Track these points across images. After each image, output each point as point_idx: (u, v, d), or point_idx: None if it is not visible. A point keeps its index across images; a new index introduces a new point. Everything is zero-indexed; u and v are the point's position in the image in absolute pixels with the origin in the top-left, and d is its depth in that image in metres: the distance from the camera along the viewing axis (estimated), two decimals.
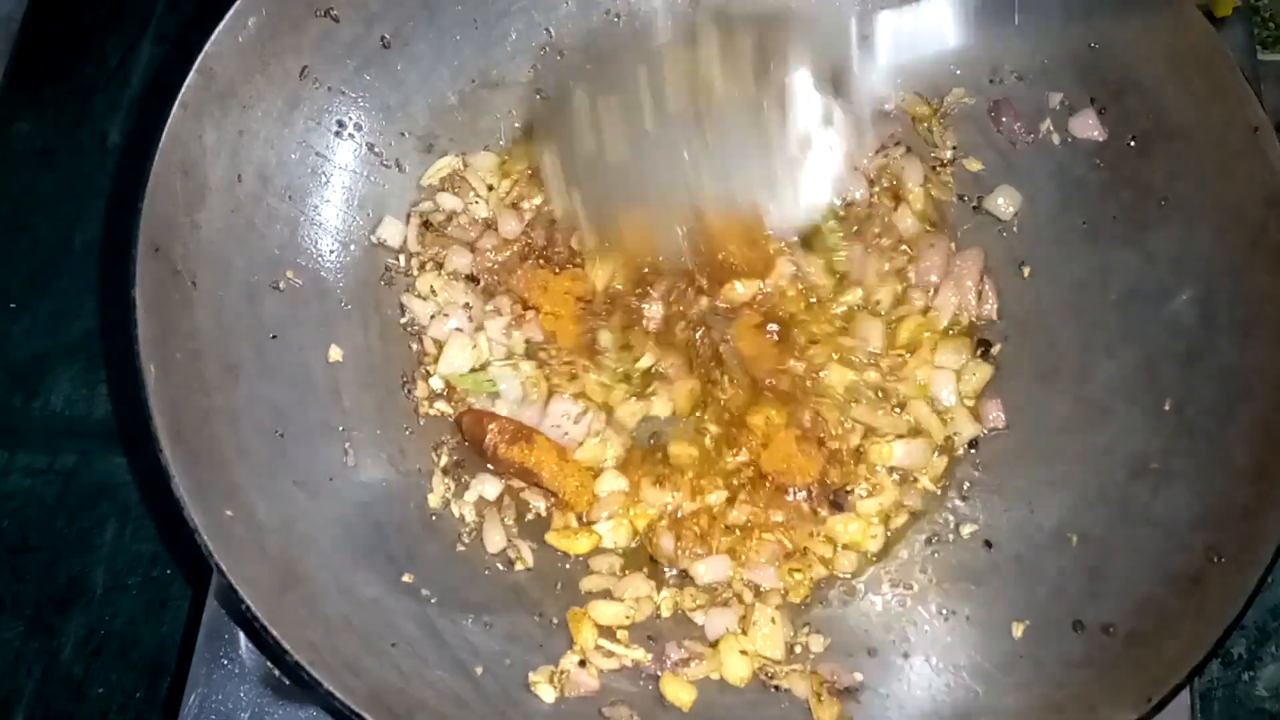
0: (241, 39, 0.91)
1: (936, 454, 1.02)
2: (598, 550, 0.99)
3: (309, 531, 0.87)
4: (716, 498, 0.99)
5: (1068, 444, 0.97)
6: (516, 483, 1.01)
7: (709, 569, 0.97)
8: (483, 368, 1.03)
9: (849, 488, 1.00)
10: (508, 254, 1.08)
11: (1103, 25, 0.97)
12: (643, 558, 0.99)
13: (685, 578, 0.98)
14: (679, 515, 0.99)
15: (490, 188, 1.10)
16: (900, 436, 1.01)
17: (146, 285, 0.83)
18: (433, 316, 1.04)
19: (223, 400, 0.87)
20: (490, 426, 0.99)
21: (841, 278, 1.08)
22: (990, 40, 1.04)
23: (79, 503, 1.20)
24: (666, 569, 0.98)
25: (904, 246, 1.09)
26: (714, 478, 1.00)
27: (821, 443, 1.00)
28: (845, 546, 0.99)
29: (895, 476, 1.01)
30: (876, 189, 1.10)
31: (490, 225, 1.09)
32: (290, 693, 0.95)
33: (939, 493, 1.01)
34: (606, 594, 0.96)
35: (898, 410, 1.03)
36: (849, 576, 0.98)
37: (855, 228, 1.09)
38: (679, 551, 0.97)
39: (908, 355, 1.05)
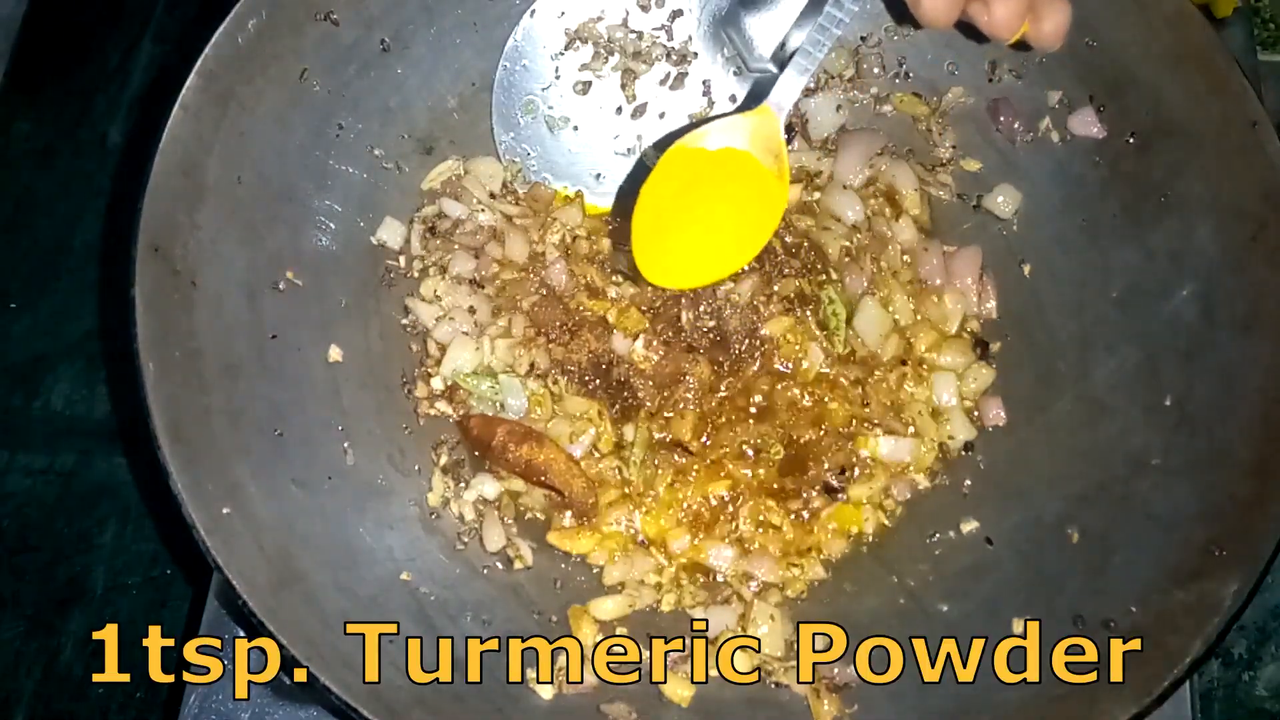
0: (242, 41, 0.91)
1: (928, 451, 1.02)
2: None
3: (307, 530, 0.87)
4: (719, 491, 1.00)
5: (1068, 440, 0.97)
6: (517, 485, 1.02)
7: (716, 555, 0.98)
8: (492, 377, 1.03)
9: (844, 470, 1.01)
10: (517, 276, 1.07)
11: (1100, 22, 0.97)
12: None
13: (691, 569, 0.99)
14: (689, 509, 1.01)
15: (492, 195, 1.10)
16: (890, 432, 1.02)
17: (146, 285, 0.83)
18: (437, 319, 1.04)
19: (222, 399, 0.87)
20: (499, 429, 1.00)
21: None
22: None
23: (79, 503, 1.20)
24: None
25: (905, 257, 1.08)
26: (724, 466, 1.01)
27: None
28: (837, 531, 0.99)
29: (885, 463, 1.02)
30: (872, 205, 1.09)
31: (496, 236, 1.09)
32: (290, 692, 0.95)
33: (931, 485, 1.02)
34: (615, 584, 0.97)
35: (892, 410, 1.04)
36: (842, 562, 0.99)
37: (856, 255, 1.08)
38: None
39: (920, 365, 1.05)
